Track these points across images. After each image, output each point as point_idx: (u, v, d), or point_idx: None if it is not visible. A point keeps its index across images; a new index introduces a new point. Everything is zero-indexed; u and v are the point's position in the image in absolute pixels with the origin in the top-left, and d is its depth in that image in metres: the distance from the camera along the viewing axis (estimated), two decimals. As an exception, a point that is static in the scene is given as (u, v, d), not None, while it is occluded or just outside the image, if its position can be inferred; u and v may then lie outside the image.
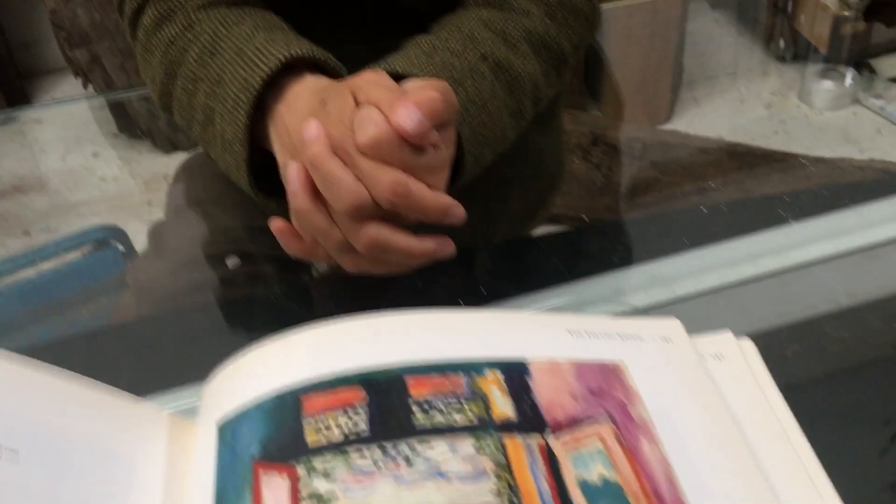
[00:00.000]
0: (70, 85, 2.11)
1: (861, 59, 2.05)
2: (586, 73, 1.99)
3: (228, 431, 0.36)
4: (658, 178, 1.60)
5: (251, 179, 0.53)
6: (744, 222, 0.59)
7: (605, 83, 2.00)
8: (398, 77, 0.51)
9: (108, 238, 1.23)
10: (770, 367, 0.47)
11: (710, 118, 2.04)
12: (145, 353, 0.55)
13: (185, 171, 0.81)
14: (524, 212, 0.79)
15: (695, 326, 0.52)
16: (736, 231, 0.58)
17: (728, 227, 0.58)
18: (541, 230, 0.85)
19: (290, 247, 0.49)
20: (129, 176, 1.87)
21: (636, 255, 0.57)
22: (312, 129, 0.46)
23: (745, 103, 2.08)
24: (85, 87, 1.98)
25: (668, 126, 2.02)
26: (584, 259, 0.58)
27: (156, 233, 0.78)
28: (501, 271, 0.58)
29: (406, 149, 0.46)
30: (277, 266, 0.70)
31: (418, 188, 0.46)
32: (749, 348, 0.45)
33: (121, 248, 1.21)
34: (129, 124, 1.94)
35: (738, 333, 0.51)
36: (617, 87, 1.99)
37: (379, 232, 0.46)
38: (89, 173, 1.89)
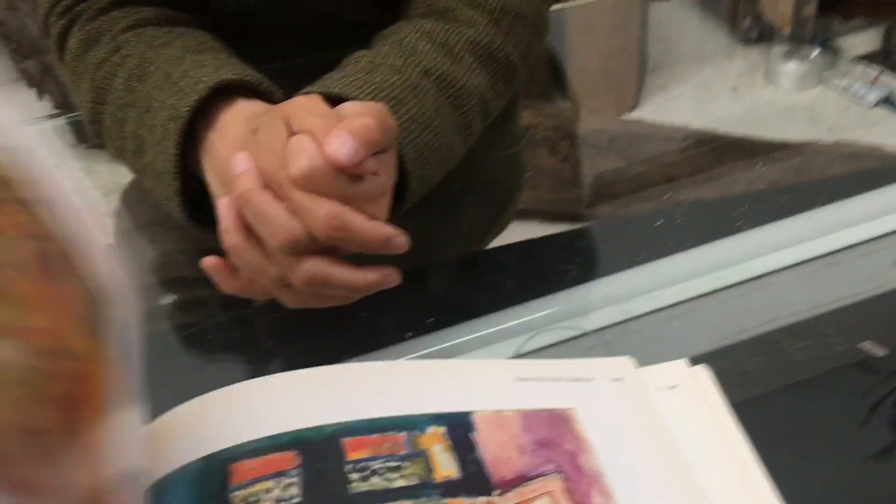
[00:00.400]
0: (24, 96, 2.06)
1: (825, 38, 2.05)
2: (551, 65, 1.97)
3: (155, 497, 0.34)
4: (625, 170, 1.59)
5: (186, 212, 0.51)
6: (701, 230, 0.57)
7: (570, 74, 1.98)
8: (335, 99, 0.49)
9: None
10: (732, 383, 0.46)
11: (677, 104, 2.03)
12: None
13: (129, 194, 0.78)
14: (479, 226, 0.77)
15: (651, 347, 0.50)
16: (693, 240, 0.57)
17: (684, 237, 0.57)
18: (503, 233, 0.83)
19: (226, 285, 0.47)
20: (91, 187, 1.83)
21: (589, 270, 0.56)
22: (241, 163, 0.44)
23: (712, 88, 2.07)
24: (39, 97, 1.93)
25: (636, 113, 2.00)
26: (537, 276, 0.56)
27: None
28: (450, 294, 0.56)
29: (342, 178, 0.44)
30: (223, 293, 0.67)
31: (356, 220, 0.44)
32: (703, 375, 0.43)
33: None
34: (87, 134, 1.90)
35: (697, 351, 0.50)
36: (582, 78, 1.98)
37: (317, 267, 0.44)
38: (48, 186, 1.85)
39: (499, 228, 0.80)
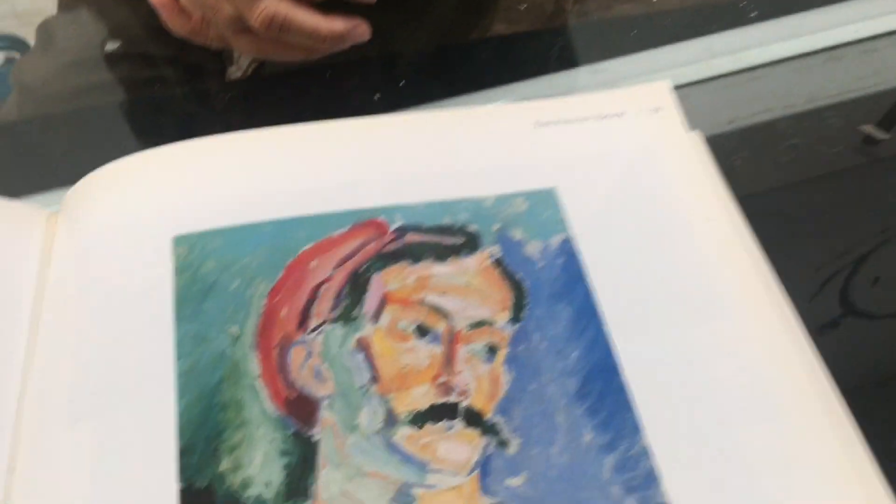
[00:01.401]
0: None
1: None
2: None
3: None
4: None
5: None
6: (702, 23, 0.53)
7: None
8: None
9: (9, 48, 1.12)
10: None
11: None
12: (26, 153, 0.49)
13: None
14: (461, 16, 0.71)
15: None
16: (693, 32, 0.52)
17: (685, 29, 0.53)
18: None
19: (175, 24, 0.42)
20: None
21: (584, 56, 0.51)
22: None
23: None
24: None
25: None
26: (526, 63, 0.52)
27: (45, 28, 0.69)
28: (432, 73, 0.51)
29: None
30: (181, 70, 0.62)
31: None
32: (697, 139, 0.40)
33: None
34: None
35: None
36: None
37: (277, 6, 0.39)
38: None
39: (483, 25, 0.74)
